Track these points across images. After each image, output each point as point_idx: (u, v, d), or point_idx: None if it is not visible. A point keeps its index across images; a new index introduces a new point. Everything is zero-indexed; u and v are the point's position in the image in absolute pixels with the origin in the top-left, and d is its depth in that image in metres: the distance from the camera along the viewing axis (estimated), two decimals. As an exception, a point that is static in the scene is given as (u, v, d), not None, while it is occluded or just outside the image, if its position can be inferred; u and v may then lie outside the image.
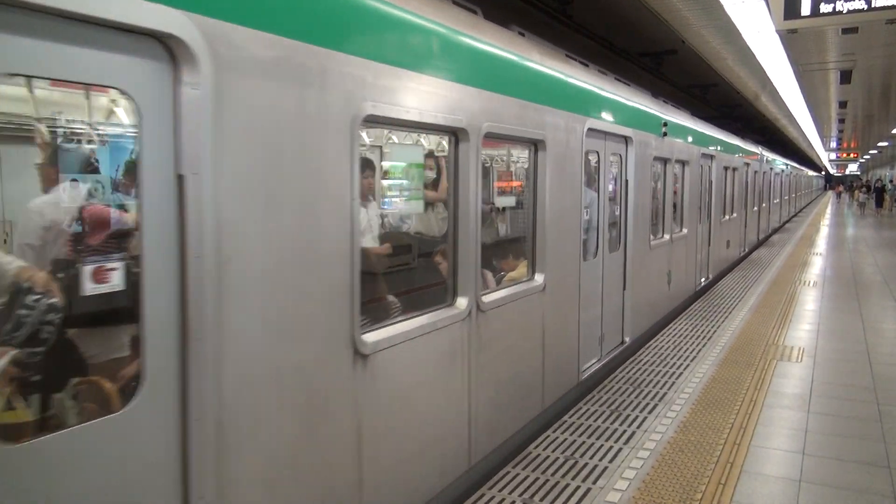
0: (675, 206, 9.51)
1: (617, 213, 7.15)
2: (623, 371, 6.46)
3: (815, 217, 31.98)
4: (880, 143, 41.30)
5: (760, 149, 18.56)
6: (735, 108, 19.90)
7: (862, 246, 18.76)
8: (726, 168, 13.01)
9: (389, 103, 3.27)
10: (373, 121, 3.25)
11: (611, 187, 6.90)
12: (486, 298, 4.30)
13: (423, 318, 3.77)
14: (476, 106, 4.03)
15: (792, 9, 6.86)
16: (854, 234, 23.32)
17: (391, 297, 4.23)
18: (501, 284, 5.08)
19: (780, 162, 23.88)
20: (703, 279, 11.46)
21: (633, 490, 4.06)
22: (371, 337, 3.26)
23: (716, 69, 14.34)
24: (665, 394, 5.78)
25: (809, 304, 9.91)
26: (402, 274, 5.02)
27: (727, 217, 13.41)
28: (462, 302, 4.05)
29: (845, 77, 15.90)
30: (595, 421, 5.18)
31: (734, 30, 10.63)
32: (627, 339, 7.25)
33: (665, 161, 8.72)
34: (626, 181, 7.16)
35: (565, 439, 4.83)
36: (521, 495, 4.01)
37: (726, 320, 8.67)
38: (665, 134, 8.32)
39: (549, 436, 4.90)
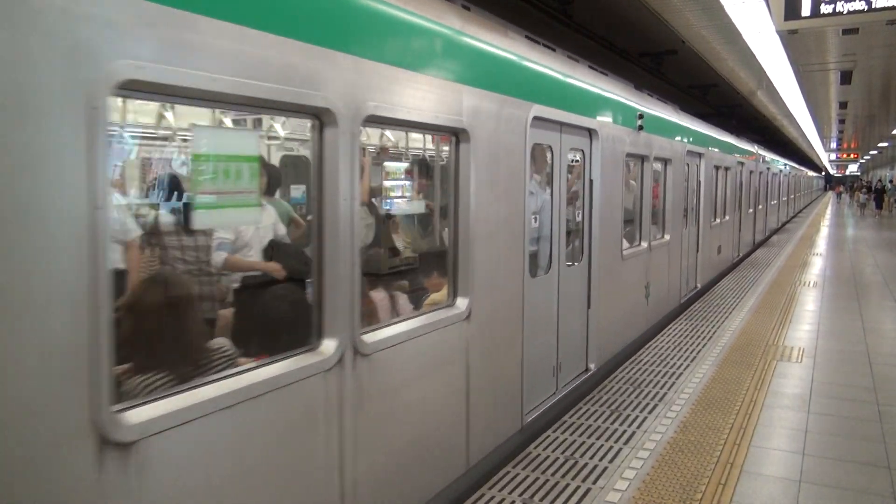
0: (655, 209, 8.56)
1: (579, 218, 6.16)
2: (623, 371, 6.46)
3: (815, 218, 31.99)
4: (880, 144, 41.35)
5: (756, 147, 18.00)
6: (735, 108, 19.91)
7: (862, 246, 18.77)
8: (717, 167, 12.14)
9: (177, 67, 2.23)
10: (142, 90, 2.25)
11: (572, 188, 6.07)
12: (371, 337, 3.27)
13: (257, 373, 2.67)
14: (351, 80, 3.04)
15: (792, 9, 6.87)
16: (854, 234, 23.34)
17: (220, 341, 3.08)
18: (422, 311, 4.15)
19: (778, 162, 23.69)
20: (690, 289, 10.57)
21: (633, 490, 4.06)
22: (140, 414, 2.16)
23: (716, 69, 14.36)
24: (665, 394, 5.78)
25: (809, 304, 9.91)
26: (268, 302, 3.85)
27: (718, 220, 12.56)
28: (329, 345, 2.98)
29: (845, 78, 15.92)
30: (595, 421, 5.18)
31: (735, 30, 10.64)
32: (593, 366, 6.21)
33: (643, 158, 7.78)
34: (591, 181, 6.13)
35: (565, 439, 4.84)
36: (520, 495, 4.01)
37: (726, 320, 8.67)
38: (641, 128, 7.35)
39: (548, 435, 4.90)
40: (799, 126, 28.84)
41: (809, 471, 4.39)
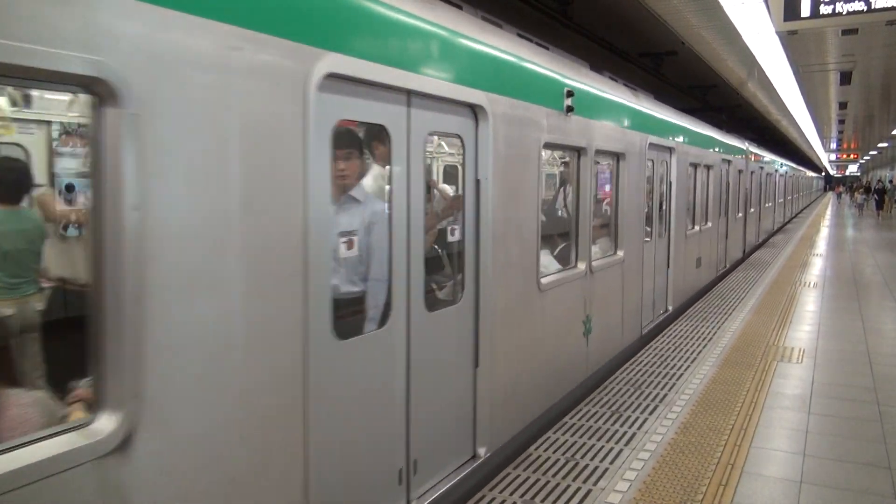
0: (601, 218, 6.92)
1: (456, 237, 4.21)
2: (623, 372, 6.46)
3: (814, 218, 32.01)
4: (880, 144, 41.40)
5: (748, 144, 16.04)
6: (735, 108, 19.93)
7: (862, 247, 18.78)
8: (695, 166, 10.25)
9: None
10: None
11: (434, 191, 4.41)
12: None
13: None
14: None
15: (792, 10, 6.89)
16: (854, 235, 23.36)
17: None
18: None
19: (774, 160, 23.03)
20: (658, 314, 8.68)
21: (634, 491, 4.06)
22: None
23: (716, 70, 14.38)
24: (665, 395, 5.78)
25: (810, 304, 9.91)
26: None
27: (697, 227, 10.65)
28: None
29: (845, 78, 15.96)
30: (595, 422, 5.18)
31: (734, 31, 10.66)
32: (483, 452, 4.29)
33: (578, 152, 5.89)
34: (478, 182, 4.22)
35: (566, 440, 4.83)
36: (521, 496, 4.00)
37: (726, 321, 8.66)
38: (571, 109, 5.39)
39: (549, 437, 4.90)
40: (799, 126, 28.87)
41: (810, 471, 4.39)
